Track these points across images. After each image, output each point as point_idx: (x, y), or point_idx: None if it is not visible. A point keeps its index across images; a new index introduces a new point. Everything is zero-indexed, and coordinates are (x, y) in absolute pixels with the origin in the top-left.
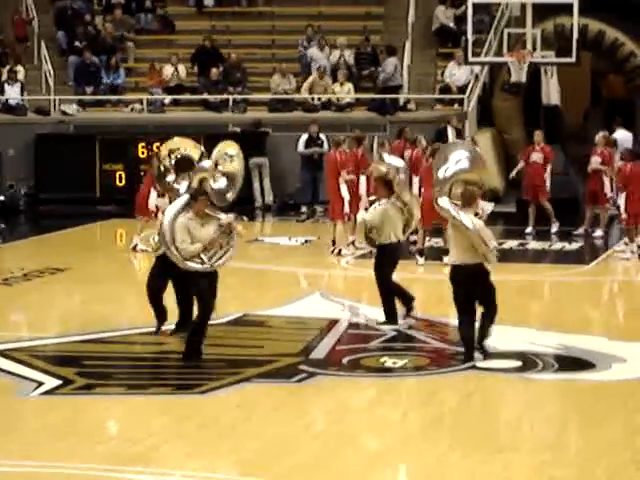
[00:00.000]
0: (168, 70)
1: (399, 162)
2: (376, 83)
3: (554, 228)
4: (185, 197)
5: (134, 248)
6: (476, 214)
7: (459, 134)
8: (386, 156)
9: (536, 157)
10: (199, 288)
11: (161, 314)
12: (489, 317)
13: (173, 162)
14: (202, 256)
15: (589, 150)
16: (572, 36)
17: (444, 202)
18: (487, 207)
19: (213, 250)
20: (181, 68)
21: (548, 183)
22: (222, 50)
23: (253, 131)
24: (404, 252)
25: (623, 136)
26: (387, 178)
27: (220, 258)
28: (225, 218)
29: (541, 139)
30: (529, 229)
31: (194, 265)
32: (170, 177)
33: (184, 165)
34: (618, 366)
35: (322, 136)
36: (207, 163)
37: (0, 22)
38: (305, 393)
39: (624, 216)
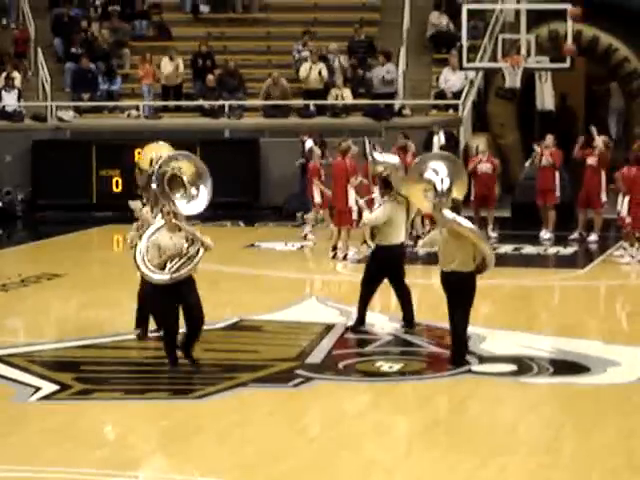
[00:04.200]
0: (166, 64)
1: (394, 159)
2: (372, 88)
3: (546, 235)
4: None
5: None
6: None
7: (451, 139)
8: (378, 154)
9: (545, 161)
10: (161, 303)
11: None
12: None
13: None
14: (168, 265)
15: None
16: (566, 41)
17: (449, 213)
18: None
19: (177, 260)
20: (180, 64)
21: (557, 188)
22: (218, 56)
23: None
24: (404, 256)
25: None
26: (383, 176)
27: (180, 269)
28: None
29: (551, 143)
30: (547, 234)
31: (162, 277)
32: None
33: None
34: (613, 370)
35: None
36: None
37: None
38: (301, 398)
39: (628, 220)
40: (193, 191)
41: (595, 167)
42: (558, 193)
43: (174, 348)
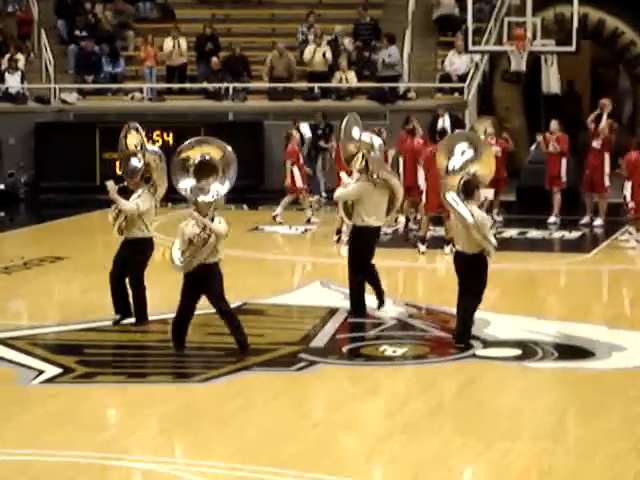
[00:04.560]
0: (167, 43)
1: (374, 139)
2: (376, 71)
3: (552, 219)
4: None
5: None
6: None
7: (456, 122)
8: (357, 132)
9: (552, 148)
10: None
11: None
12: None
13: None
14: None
15: (588, 139)
16: (572, 25)
17: (450, 197)
18: (487, 194)
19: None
20: (182, 42)
21: (564, 173)
22: (222, 38)
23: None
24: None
25: None
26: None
27: (192, 257)
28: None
29: (556, 128)
30: (551, 218)
31: (177, 265)
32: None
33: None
34: (618, 355)
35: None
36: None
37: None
38: (305, 382)
39: (631, 205)
40: (220, 177)
41: (599, 150)
42: (565, 178)
43: (179, 333)
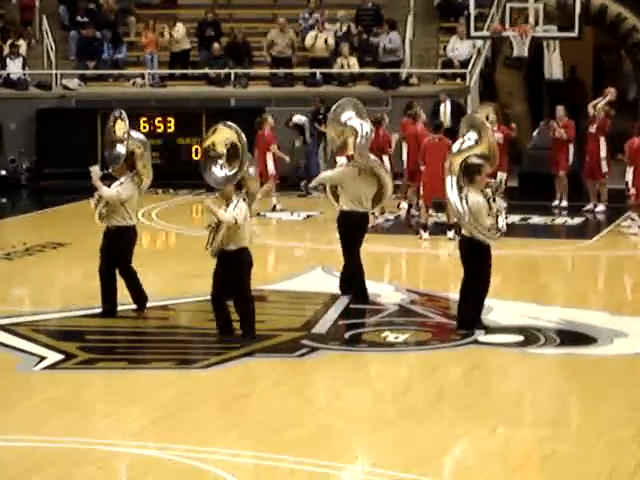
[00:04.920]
0: (166, 32)
1: (363, 125)
2: (377, 55)
3: (557, 202)
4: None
5: None
6: (487, 186)
7: (458, 108)
8: (347, 116)
9: (558, 134)
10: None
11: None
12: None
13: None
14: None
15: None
16: (574, 10)
17: (448, 182)
18: (502, 177)
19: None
20: (181, 29)
21: (571, 160)
22: (224, 24)
23: None
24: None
25: None
26: (340, 141)
27: (211, 244)
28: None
29: (563, 114)
30: (560, 202)
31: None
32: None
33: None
34: (620, 341)
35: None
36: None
37: None
38: (307, 368)
39: (632, 191)
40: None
41: (594, 135)
42: (569, 163)
43: (218, 316)
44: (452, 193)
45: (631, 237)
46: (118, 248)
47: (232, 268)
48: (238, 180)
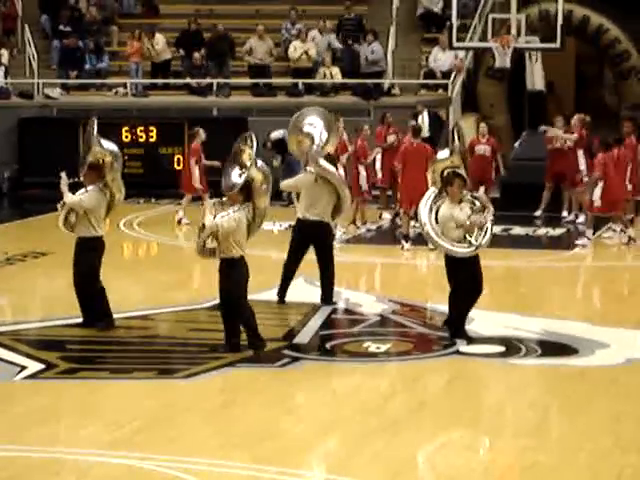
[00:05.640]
0: (145, 43)
1: (321, 135)
2: (360, 67)
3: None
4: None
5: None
6: (473, 201)
7: (435, 119)
8: (307, 123)
9: (559, 144)
10: None
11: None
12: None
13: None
14: None
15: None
16: (557, 21)
17: (426, 195)
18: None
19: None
20: (159, 38)
21: (583, 167)
22: (206, 35)
23: None
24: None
25: None
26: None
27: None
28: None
29: (562, 125)
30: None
31: None
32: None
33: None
34: (601, 351)
35: None
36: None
37: None
38: (288, 378)
39: (597, 203)
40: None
41: (573, 148)
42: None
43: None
44: (424, 208)
45: (612, 248)
46: (84, 258)
47: (222, 277)
48: (248, 192)
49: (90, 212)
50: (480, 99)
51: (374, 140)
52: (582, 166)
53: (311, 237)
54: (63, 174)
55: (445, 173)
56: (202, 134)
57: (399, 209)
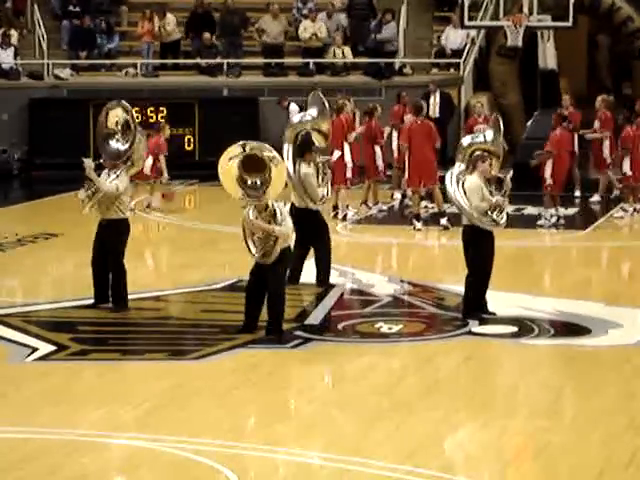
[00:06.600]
0: (155, 23)
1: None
2: (371, 46)
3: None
4: None
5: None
6: (499, 181)
7: (446, 99)
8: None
9: (590, 136)
10: None
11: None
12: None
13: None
14: None
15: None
16: (569, 0)
17: (448, 176)
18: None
19: None
20: (170, 19)
21: (607, 154)
22: (216, 14)
23: None
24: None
25: None
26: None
27: None
28: None
29: (569, 104)
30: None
31: None
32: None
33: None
34: (614, 332)
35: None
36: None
37: None
38: (300, 359)
39: (629, 173)
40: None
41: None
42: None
43: (246, 312)
44: (451, 188)
45: (624, 228)
46: (111, 241)
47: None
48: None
49: (122, 195)
50: (492, 78)
51: (386, 119)
52: (606, 149)
53: (305, 225)
54: (87, 160)
55: (477, 152)
56: (167, 130)
57: (407, 189)
